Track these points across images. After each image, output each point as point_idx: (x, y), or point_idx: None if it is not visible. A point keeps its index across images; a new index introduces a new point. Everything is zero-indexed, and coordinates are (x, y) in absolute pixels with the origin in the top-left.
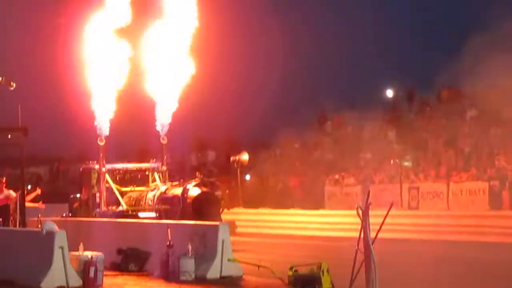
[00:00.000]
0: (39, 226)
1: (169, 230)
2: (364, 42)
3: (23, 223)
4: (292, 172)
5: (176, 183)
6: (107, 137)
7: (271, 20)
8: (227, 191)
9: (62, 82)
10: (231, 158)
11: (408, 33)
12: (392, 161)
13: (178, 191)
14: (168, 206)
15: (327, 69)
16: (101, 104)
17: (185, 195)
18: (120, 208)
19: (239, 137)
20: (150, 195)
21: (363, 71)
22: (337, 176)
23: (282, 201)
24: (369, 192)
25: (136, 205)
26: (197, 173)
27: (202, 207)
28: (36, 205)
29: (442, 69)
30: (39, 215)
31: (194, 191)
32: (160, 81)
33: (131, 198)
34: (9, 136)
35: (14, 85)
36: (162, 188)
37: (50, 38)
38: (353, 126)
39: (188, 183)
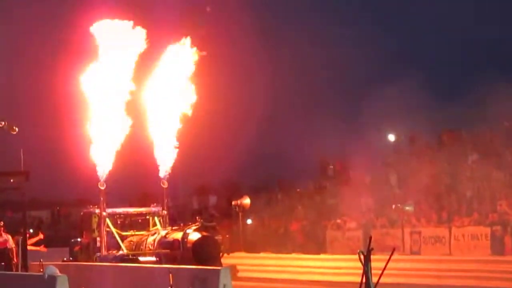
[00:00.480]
0: (41, 270)
1: (170, 274)
2: (365, 86)
3: (25, 267)
4: (293, 216)
5: (177, 227)
6: (108, 181)
7: (270, 63)
8: (227, 236)
9: (64, 126)
10: (233, 202)
11: (409, 75)
12: (393, 206)
13: (178, 235)
14: (168, 251)
15: (329, 113)
16: (102, 149)
17: (185, 239)
18: (121, 252)
19: (241, 181)
20: (150, 239)
21: (364, 115)
22: (338, 221)
23: (284, 246)
24: (370, 237)
25: (137, 249)
26: (197, 218)
27: (202, 252)
28: (38, 248)
29: (443, 112)
30: (41, 259)
31: (194, 235)
32: (160, 127)
33: (132, 243)
34: (11, 180)
35: (17, 129)
36: (163, 232)
37: (52, 82)
38: (354, 171)
39: (188, 228)
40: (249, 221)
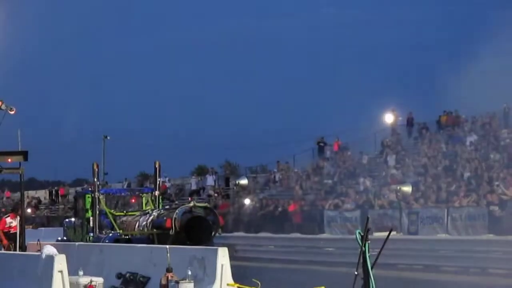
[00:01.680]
0: (39, 250)
1: (168, 254)
2: (365, 67)
3: (22, 247)
4: (291, 196)
5: (169, 207)
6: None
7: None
8: (220, 216)
9: (63, 109)
10: (231, 183)
11: (408, 58)
12: (391, 186)
13: (170, 215)
14: (161, 231)
15: (327, 94)
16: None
17: (177, 219)
18: (114, 232)
19: (239, 162)
20: (143, 219)
21: (363, 96)
22: (336, 201)
23: (282, 226)
24: (368, 217)
25: (129, 229)
26: (189, 198)
27: (194, 231)
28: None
29: (442, 94)
30: (39, 239)
31: (186, 215)
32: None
33: (125, 222)
34: (9, 160)
35: (15, 109)
36: (155, 212)
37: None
38: (352, 151)
39: (180, 208)
40: (247, 201)
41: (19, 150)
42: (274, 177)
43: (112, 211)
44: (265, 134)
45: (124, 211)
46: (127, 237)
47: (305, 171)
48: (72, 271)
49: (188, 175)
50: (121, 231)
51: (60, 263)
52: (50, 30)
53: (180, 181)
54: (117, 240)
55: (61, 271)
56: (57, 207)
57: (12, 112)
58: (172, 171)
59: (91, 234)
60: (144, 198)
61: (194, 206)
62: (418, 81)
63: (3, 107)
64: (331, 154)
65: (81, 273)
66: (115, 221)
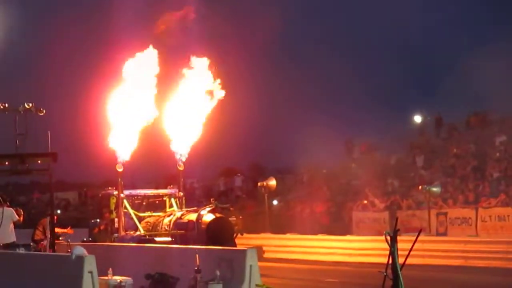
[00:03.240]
0: (69, 250)
1: (197, 255)
2: (393, 68)
3: (52, 247)
4: (319, 197)
5: (192, 209)
6: (128, 164)
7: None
8: (240, 217)
9: (91, 109)
10: (259, 184)
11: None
12: (420, 187)
13: (193, 216)
14: (183, 231)
15: (355, 93)
16: (122, 132)
17: (200, 220)
18: (138, 233)
19: (267, 163)
20: (166, 220)
21: (392, 96)
22: (364, 202)
23: (309, 227)
24: (397, 218)
25: (153, 230)
26: (211, 199)
27: (216, 232)
28: (65, 230)
29: (470, 94)
30: (69, 240)
31: (208, 216)
32: (184, 107)
33: (148, 223)
34: (39, 162)
35: (44, 111)
36: (178, 213)
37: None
38: (380, 152)
39: (203, 209)
40: (275, 202)
41: (49, 151)
42: (302, 178)
43: (136, 212)
44: (292, 135)
45: (148, 212)
46: (151, 238)
47: (333, 172)
48: (101, 272)
49: (216, 176)
50: (145, 232)
51: (90, 263)
52: None
53: (208, 183)
54: (141, 240)
55: (91, 272)
56: (86, 208)
57: (42, 114)
58: (200, 173)
59: (116, 235)
60: (167, 200)
61: (216, 207)
62: (446, 81)
63: (32, 109)
64: (359, 154)
65: (110, 273)
66: (139, 222)
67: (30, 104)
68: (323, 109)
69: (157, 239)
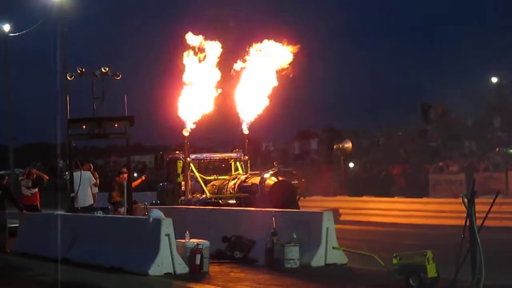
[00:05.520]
0: (146, 213)
1: (274, 218)
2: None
3: (130, 210)
4: (395, 160)
5: (256, 172)
6: (195, 129)
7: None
8: (303, 180)
9: (167, 72)
10: (335, 146)
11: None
12: (497, 149)
13: (256, 180)
14: (247, 194)
15: (430, 56)
16: (191, 97)
17: (263, 183)
18: (204, 196)
19: (342, 125)
20: (231, 183)
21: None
22: (441, 164)
23: (386, 189)
24: (474, 180)
25: (218, 193)
26: (274, 163)
27: (278, 195)
28: (139, 180)
29: None
30: (146, 203)
31: (270, 180)
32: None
33: (214, 187)
34: (116, 126)
35: (120, 75)
36: (242, 177)
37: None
38: (457, 114)
39: (266, 173)
40: (351, 165)
41: (126, 115)
42: (378, 140)
43: (202, 175)
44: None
45: (214, 176)
46: (216, 200)
47: (409, 134)
48: (178, 235)
49: (292, 139)
50: (210, 194)
51: (167, 226)
52: None
53: (283, 146)
54: (207, 203)
55: (168, 235)
56: (162, 172)
57: (118, 78)
58: (276, 136)
59: (182, 198)
60: (233, 163)
61: (279, 170)
62: None
63: (109, 73)
64: (435, 116)
65: (187, 236)
66: (205, 185)
67: (107, 68)
68: (399, 71)
69: (222, 202)
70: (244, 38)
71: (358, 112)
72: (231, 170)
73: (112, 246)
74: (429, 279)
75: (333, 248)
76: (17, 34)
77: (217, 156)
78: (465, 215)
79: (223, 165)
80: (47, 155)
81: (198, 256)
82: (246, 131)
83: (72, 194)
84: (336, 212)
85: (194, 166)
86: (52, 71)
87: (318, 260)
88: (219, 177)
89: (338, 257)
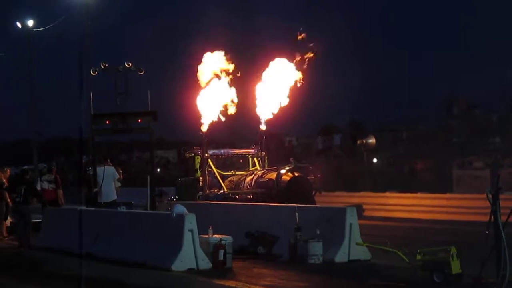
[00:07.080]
0: (169, 209)
1: (297, 213)
2: (490, 25)
3: (152, 205)
4: (419, 155)
5: (273, 168)
6: (212, 124)
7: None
8: (319, 176)
9: (189, 68)
10: (358, 142)
11: None
12: None
13: (273, 175)
14: (264, 190)
15: (454, 51)
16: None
17: (279, 179)
18: (221, 191)
19: (366, 121)
20: (248, 179)
21: (490, 52)
22: (465, 160)
23: (409, 185)
24: (498, 175)
25: (236, 189)
26: (291, 159)
27: (295, 190)
28: None
29: None
30: (168, 198)
31: (287, 175)
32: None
33: (232, 182)
34: (139, 120)
35: (144, 71)
36: (259, 172)
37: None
38: (481, 109)
39: (282, 168)
40: (374, 160)
41: (149, 110)
42: (401, 135)
43: (220, 171)
44: (391, 92)
45: (232, 171)
46: (234, 196)
47: (433, 129)
48: (200, 230)
49: (315, 133)
50: (228, 190)
51: (191, 222)
52: None
53: (307, 140)
54: (224, 198)
55: (191, 230)
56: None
57: (141, 73)
58: (299, 131)
59: (200, 193)
60: (250, 159)
61: (295, 166)
62: None
63: (132, 68)
64: (459, 112)
65: (210, 232)
66: (222, 181)
67: (130, 64)
68: (423, 66)
69: (239, 197)
70: (267, 31)
71: (382, 106)
72: (248, 166)
73: (135, 241)
74: (453, 276)
75: (357, 244)
76: (41, 29)
77: (235, 151)
78: (489, 211)
79: (241, 161)
80: (70, 150)
81: (221, 252)
82: (263, 127)
83: (95, 189)
84: (359, 208)
85: (212, 161)
86: (74, 67)
87: (341, 256)
88: (237, 173)
89: (361, 253)
